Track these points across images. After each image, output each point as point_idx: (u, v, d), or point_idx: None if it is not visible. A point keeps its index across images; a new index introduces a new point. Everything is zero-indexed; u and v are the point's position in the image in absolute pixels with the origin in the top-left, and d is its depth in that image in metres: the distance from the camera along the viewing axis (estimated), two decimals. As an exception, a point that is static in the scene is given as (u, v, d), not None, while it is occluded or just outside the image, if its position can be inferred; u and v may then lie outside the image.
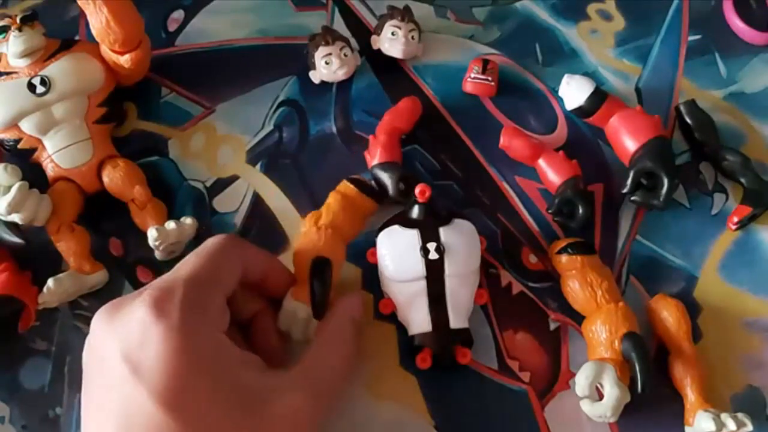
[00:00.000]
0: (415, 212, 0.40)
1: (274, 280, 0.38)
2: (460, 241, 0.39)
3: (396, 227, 0.39)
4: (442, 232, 0.39)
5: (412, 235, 0.39)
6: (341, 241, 0.40)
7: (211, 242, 0.34)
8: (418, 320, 0.38)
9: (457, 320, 0.38)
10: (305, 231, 0.40)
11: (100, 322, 0.30)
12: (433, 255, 0.38)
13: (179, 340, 0.28)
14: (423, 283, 0.38)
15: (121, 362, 0.28)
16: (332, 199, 0.41)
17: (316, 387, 0.33)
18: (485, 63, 0.47)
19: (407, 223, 0.39)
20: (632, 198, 0.44)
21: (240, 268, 0.34)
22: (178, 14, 0.50)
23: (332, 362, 0.35)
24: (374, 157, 0.43)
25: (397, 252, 0.39)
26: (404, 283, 0.39)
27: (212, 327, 0.31)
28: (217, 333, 0.31)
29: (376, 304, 0.41)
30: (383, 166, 0.43)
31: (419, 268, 0.38)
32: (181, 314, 0.29)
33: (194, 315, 0.30)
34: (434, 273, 0.38)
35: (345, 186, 0.42)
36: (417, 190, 0.38)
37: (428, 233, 0.39)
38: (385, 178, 0.43)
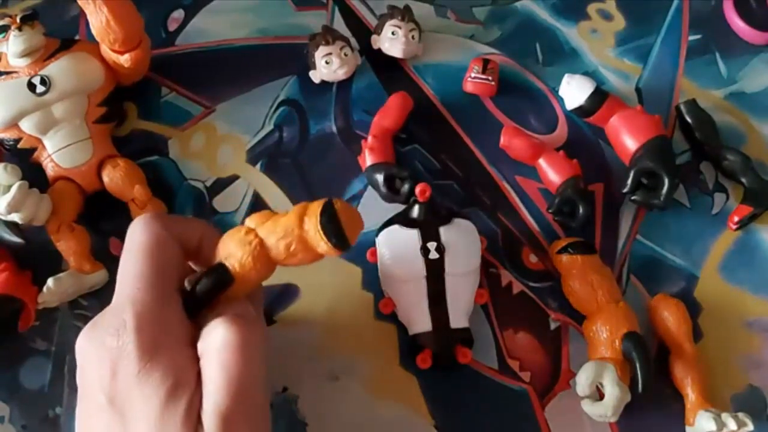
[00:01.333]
0: (416, 212, 0.40)
1: (209, 244, 0.33)
2: (461, 240, 0.39)
3: (396, 227, 0.39)
4: (443, 231, 0.39)
5: (413, 235, 0.39)
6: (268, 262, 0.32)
7: (140, 233, 0.30)
8: (419, 320, 0.38)
9: (457, 320, 0.38)
10: (242, 231, 0.31)
11: (81, 346, 0.29)
12: (434, 254, 0.38)
13: (144, 368, 0.27)
14: (423, 283, 0.38)
15: (99, 392, 0.28)
16: (291, 222, 0.30)
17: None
18: (485, 62, 0.47)
19: (407, 222, 0.39)
20: (633, 198, 0.44)
21: (178, 249, 0.31)
22: (178, 14, 0.50)
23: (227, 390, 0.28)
24: (364, 161, 0.44)
25: (398, 251, 0.39)
26: (404, 283, 0.38)
27: (173, 341, 0.29)
28: (180, 348, 0.29)
29: (376, 303, 0.41)
30: (373, 168, 0.43)
31: (419, 267, 0.38)
32: (136, 341, 0.27)
33: (151, 334, 0.28)
34: (434, 272, 0.38)
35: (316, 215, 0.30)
36: (417, 190, 0.38)
37: (428, 233, 0.39)
38: (375, 179, 0.43)
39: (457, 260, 0.38)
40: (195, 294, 0.30)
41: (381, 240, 0.40)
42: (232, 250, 0.31)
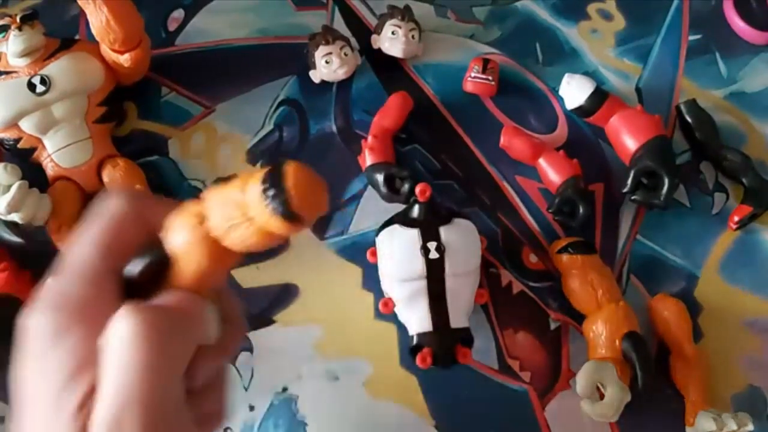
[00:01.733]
0: (416, 211, 0.39)
1: None
2: (461, 240, 0.39)
3: (396, 226, 0.39)
4: (443, 231, 0.39)
5: (413, 235, 0.39)
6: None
7: (101, 210, 0.26)
8: (419, 320, 0.38)
9: (457, 319, 0.38)
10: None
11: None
12: (434, 254, 0.38)
13: (47, 350, 0.24)
14: (423, 283, 0.38)
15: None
16: (234, 189, 0.24)
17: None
18: (485, 62, 0.47)
19: (407, 222, 0.39)
20: (633, 197, 0.44)
21: (140, 231, 0.26)
22: (179, 14, 0.50)
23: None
24: (364, 160, 0.44)
25: (398, 251, 0.39)
26: (404, 283, 0.38)
27: (89, 326, 0.25)
28: (94, 336, 0.24)
29: (376, 303, 0.41)
30: (373, 167, 0.43)
31: (419, 267, 0.38)
32: (47, 321, 0.24)
33: (66, 315, 0.25)
34: (434, 272, 0.38)
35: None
36: (417, 190, 0.38)
37: (428, 232, 0.38)
38: (375, 179, 0.43)
39: (457, 260, 0.38)
40: (129, 277, 0.25)
41: (381, 240, 0.40)
42: (173, 225, 0.25)
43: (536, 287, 0.43)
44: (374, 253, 0.40)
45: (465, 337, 0.39)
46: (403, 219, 0.40)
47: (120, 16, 0.40)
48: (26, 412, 0.25)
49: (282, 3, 0.51)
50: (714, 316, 0.42)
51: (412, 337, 0.39)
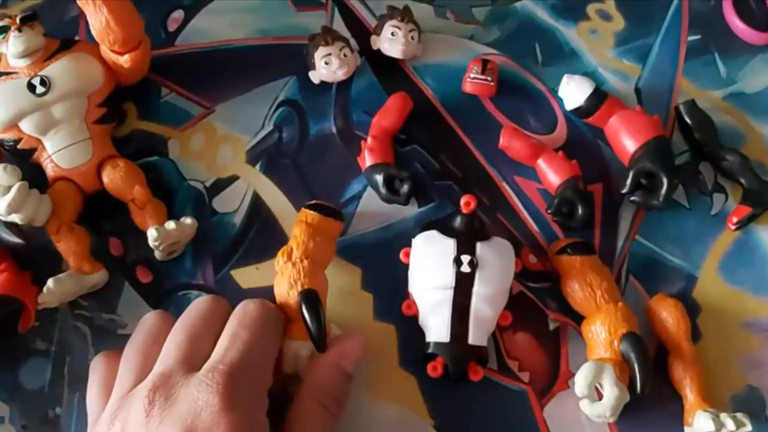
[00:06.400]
0: (458, 222, 0.39)
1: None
2: (495, 258, 0.38)
3: (434, 233, 0.39)
4: (479, 246, 0.38)
5: (449, 244, 0.38)
6: (320, 269, 0.38)
7: (255, 314, 0.35)
8: (437, 329, 0.38)
9: (476, 337, 0.38)
10: (280, 269, 0.38)
11: (147, 408, 0.30)
12: (466, 268, 0.38)
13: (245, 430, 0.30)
14: (449, 293, 0.38)
15: None
16: (297, 230, 0.39)
17: None
18: (485, 63, 0.47)
19: (446, 230, 0.39)
20: (632, 198, 0.44)
21: (279, 344, 0.35)
22: (178, 14, 0.50)
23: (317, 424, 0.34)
24: (364, 161, 0.44)
25: (430, 257, 0.38)
26: (431, 290, 0.38)
27: (263, 411, 0.32)
28: (264, 416, 0.32)
29: (375, 304, 0.41)
30: (373, 168, 0.43)
31: (449, 277, 0.38)
32: (248, 404, 0.30)
33: (255, 402, 0.31)
34: (463, 286, 0.38)
35: (305, 214, 0.40)
36: (462, 201, 0.38)
37: (465, 245, 0.38)
38: (375, 180, 0.43)
39: (488, 278, 0.38)
40: (311, 325, 0.36)
41: (416, 243, 0.40)
42: (282, 282, 0.37)
43: (535, 288, 0.43)
44: (408, 254, 0.40)
45: (480, 355, 0.38)
46: (443, 227, 0.40)
47: (120, 17, 0.40)
48: None
49: (282, 3, 0.51)
50: (713, 317, 0.42)
51: (428, 344, 0.39)
